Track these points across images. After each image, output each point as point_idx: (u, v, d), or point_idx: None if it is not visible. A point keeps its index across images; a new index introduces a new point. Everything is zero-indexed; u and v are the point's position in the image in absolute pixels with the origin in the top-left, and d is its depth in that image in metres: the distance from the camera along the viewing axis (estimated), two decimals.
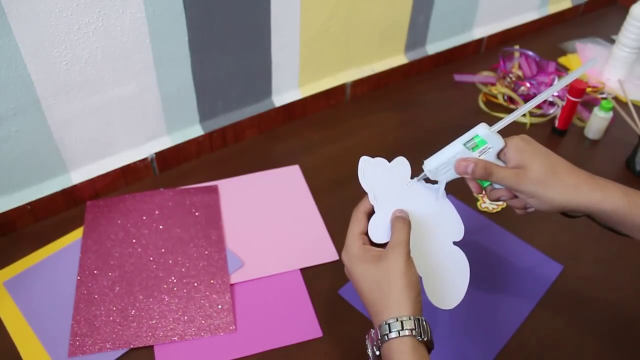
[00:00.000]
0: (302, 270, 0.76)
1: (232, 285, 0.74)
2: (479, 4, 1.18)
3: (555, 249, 0.79)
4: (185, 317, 0.69)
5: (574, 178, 0.55)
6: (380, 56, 1.10)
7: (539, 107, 1.07)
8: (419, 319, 0.50)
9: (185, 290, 0.72)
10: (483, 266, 0.77)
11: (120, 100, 0.81)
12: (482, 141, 0.58)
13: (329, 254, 0.78)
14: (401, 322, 0.49)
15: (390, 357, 0.49)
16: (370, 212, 0.59)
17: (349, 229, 0.58)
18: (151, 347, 0.67)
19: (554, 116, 1.03)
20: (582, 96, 0.96)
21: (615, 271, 0.77)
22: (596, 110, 0.98)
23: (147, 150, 0.88)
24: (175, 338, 0.68)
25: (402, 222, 0.56)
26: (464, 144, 0.58)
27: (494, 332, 0.69)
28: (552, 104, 1.06)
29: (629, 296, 0.74)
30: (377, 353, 0.50)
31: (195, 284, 0.73)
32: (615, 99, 1.09)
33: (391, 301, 0.51)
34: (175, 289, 0.73)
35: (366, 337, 0.53)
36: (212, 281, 0.73)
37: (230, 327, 0.69)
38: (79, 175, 0.83)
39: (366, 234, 0.58)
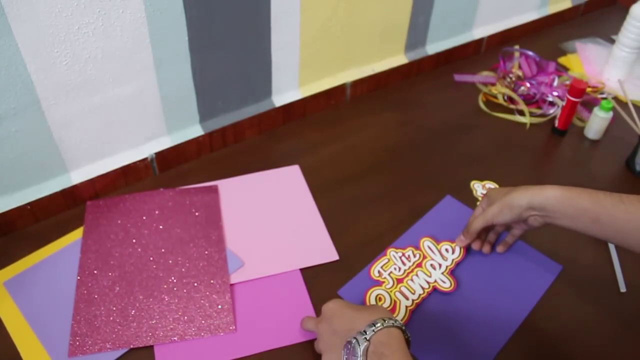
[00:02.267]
0: (302, 270, 0.76)
1: (232, 285, 0.74)
2: (479, 4, 1.18)
3: (555, 249, 0.79)
4: (185, 317, 0.69)
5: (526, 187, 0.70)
6: (380, 56, 1.10)
7: (538, 107, 1.07)
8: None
9: (185, 290, 0.72)
10: (483, 266, 0.77)
11: (120, 100, 0.81)
12: None
13: (329, 254, 0.78)
14: (391, 318, 0.58)
15: (388, 341, 0.56)
16: None
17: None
18: (151, 347, 0.67)
19: (554, 116, 1.03)
20: (582, 96, 0.96)
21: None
22: (596, 110, 0.98)
23: (147, 150, 0.88)
24: (175, 338, 0.68)
25: None
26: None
27: (494, 332, 0.69)
28: (552, 104, 1.06)
29: (628, 296, 0.74)
30: (365, 345, 0.55)
31: (195, 284, 0.73)
32: (615, 99, 1.09)
33: (380, 309, 0.60)
34: (175, 289, 0.73)
35: (344, 349, 0.57)
36: (212, 281, 0.73)
37: (230, 327, 0.69)
38: (78, 175, 0.84)
39: None
